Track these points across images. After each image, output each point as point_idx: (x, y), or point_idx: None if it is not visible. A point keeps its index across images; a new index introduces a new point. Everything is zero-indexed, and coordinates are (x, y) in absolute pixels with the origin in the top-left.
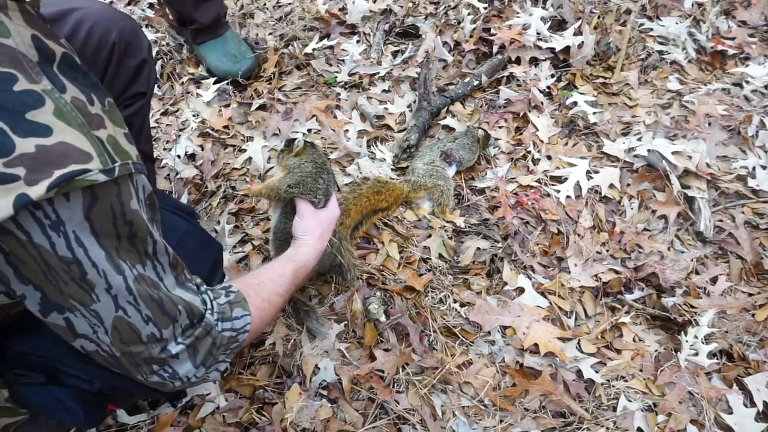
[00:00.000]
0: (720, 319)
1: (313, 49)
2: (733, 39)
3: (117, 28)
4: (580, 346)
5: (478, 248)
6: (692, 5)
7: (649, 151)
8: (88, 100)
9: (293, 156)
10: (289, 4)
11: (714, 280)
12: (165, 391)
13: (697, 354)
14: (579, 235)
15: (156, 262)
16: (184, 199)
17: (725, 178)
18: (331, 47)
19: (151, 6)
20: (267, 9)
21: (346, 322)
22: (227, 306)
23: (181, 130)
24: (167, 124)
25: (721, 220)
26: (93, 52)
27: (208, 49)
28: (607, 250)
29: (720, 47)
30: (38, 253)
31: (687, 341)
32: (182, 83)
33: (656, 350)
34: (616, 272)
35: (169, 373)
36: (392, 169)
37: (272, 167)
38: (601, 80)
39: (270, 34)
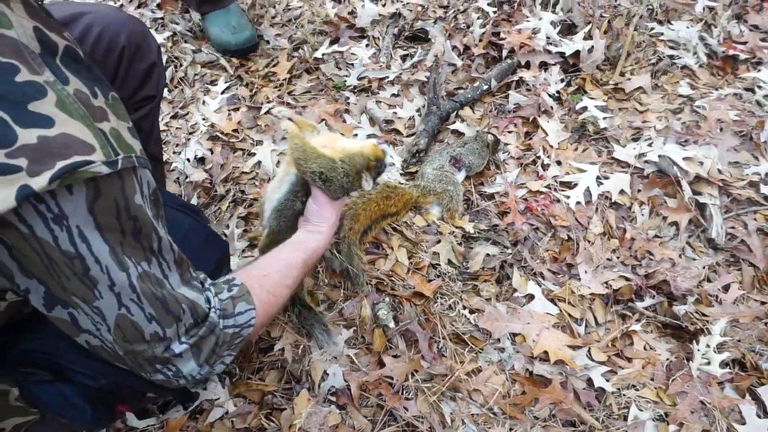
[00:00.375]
0: (732, 328)
1: (323, 54)
2: (744, 43)
3: (126, 31)
4: (590, 354)
5: (488, 254)
6: (703, 9)
7: (660, 156)
8: (92, 92)
9: (358, 161)
10: (299, 7)
11: (726, 288)
12: (170, 388)
13: (709, 363)
14: (589, 242)
15: (161, 260)
16: (193, 203)
17: (737, 184)
18: (340, 51)
19: (159, 6)
20: (277, 12)
21: (355, 328)
22: (229, 302)
23: (190, 133)
24: (177, 128)
25: (733, 227)
26: (103, 55)
27: (211, 21)
28: (618, 257)
29: (731, 52)
30: (41, 246)
31: (699, 350)
32: (192, 83)
33: (668, 359)
34: (627, 279)
35: (173, 371)
36: (401, 174)
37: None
38: (611, 85)
39: (278, 35)
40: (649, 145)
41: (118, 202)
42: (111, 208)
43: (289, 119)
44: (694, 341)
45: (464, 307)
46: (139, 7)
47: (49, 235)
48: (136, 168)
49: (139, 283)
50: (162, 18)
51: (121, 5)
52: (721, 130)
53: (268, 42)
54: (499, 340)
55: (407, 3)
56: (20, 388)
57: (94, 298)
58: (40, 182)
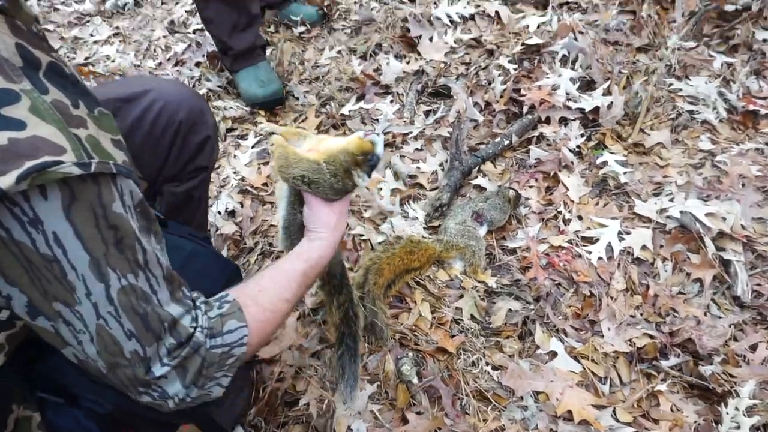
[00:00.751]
0: (762, 390)
1: (350, 111)
2: (765, 98)
3: (186, 107)
4: (615, 414)
5: (510, 309)
6: (721, 65)
7: (681, 212)
8: (73, 103)
9: (343, 159)
10: (327, 65)
11: (753, 348)
12: (163, 411)
13: (738, 427)
14: (612, 298)
15: (149, 274)
16: (224, 255)
17: (762, 240)
18: (366, 108)
19: (197, 64)
20: (305, 69)
21: (378, 383)
22: (218, 320)
23: (221, 187)
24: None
25: (759, 285)
26: (162, 128)
27: (242, 77)
28: (641, 314)
29: (752, 107)
30: (19, 250)
31: (728, 413)
32: (224, 137)
33: (695, 421)
34: (651, 337)
35: (159, 392)
36: (424, 228)
37: None
38: (631, 140)
39: (306, 92)
40: (671, 200)
41: (95, 209)
42: (89, 216)
43: (272, 133)
44: (722, 403)
45: (487, 364)
46: (176, 65)
47: (27, 237)
48: (115, 176)
49: (119, 296)
50: (198, 76)
51: (160, 63)
52: (743, 185)
53: (297, 98)
54: (522, 398)
55: (430, 60)
56: (41, 413)
57: (75, 302)
58: (7, 181)
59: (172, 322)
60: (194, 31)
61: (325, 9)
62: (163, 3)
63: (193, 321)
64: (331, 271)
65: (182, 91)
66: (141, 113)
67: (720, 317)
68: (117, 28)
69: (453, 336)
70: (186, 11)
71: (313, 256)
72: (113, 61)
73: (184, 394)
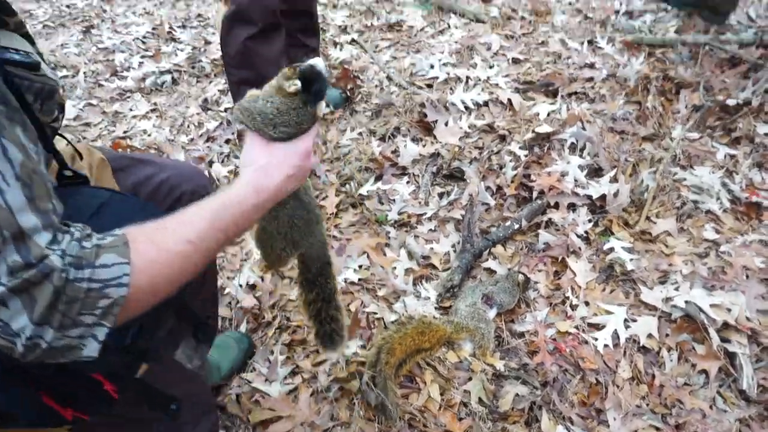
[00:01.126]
0: None
1: (368, 191)
2: (767, 190)
3: (192, 183)
4: None
5: (518, 394)
6: (725, 156)
7: (686, 302)
8: None
9: (275, 82)
10: (348, 145)
11: None
12: (16, 357)
13: None
14: (618, 386)
15: None
16: (242, 328)
17: (767, 333)
18: (384, 189)
19: (227, 141)
20: (327, 149)
21: None
22: (92, 251)
23: (244, 260)
24: (232, 254)
25: (765, 378)
26: (164, 195)
27: None
28: (647, 404)
29: (755, 198)
30: None
31: None
32: None
33: None
34: (657, 429)
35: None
36: (436, 308)
37: None
38: (638, 228)
39: (328, 171)
40: (676, 289)
41: None
42: None
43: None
44: None
45: None
46: (207, 141)
47: None
48: None
49: None
50: (228, 153)
51: (192, 139)
52: (747, 276)
53: (318, 177)
54: None
55: (445, 144)
56: None
57: None
58: None
59: (18, 232)
60: (225, 110)
61: (348, 92)
62: (198, 81)
63: (53, 243)
64: (306, 263)
65: (189, 168)
66: (144, 178)
67: (726, 411)
68: (155, 104)
69: (461, 419)
70: (219, 90)
71: (229, 194)
72: (149, 135)
73: (32, 333)
